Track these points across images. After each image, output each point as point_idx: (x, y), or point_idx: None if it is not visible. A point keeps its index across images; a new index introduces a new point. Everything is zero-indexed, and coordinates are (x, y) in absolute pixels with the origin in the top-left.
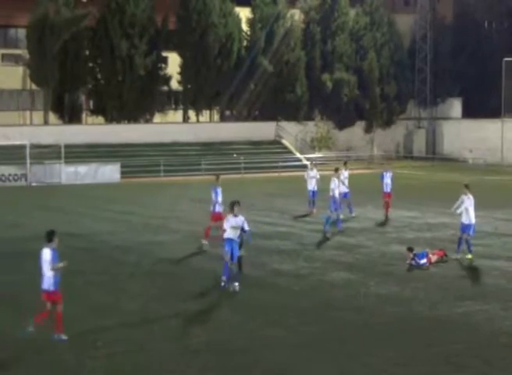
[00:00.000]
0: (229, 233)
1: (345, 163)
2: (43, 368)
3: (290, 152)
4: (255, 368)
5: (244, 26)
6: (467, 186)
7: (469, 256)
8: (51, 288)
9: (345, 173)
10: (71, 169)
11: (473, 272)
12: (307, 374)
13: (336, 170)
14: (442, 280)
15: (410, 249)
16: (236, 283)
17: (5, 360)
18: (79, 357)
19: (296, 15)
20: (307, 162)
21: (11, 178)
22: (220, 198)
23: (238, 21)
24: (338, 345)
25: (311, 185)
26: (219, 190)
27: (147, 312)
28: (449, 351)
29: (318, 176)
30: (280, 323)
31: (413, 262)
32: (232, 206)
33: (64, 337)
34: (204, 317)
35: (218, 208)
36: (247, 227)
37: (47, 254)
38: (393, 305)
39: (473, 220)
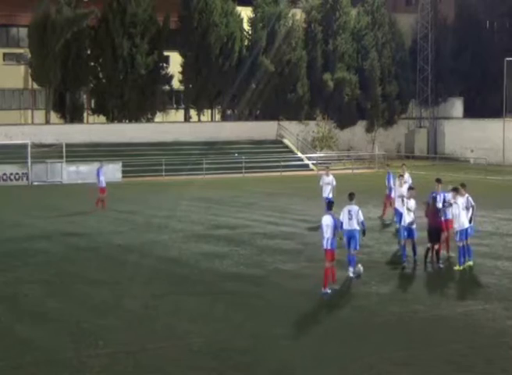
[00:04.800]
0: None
1: (402, 165)
2: (43, 368)
3: (292, 152)
4: (255, 368)
5: (246, 26)
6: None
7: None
8: (330, 247)
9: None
10: (72, 168)
11: (474, 272)
12: (307, 374)
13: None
14: (443, 279)
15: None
16: (359, 265)
17: (9, 361)
18: (79, 356)
19: (297, 14)
20: (309, 162)
21: (12, 177)
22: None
23: (239, 21)
24: (338, 345)
25: (326, 192)
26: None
27: (148, 311)
28: (450, 351)
29: (335, 183)
30: (280, 322)
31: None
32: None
33: (328, 290)
34: (204, 317)
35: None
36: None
37: (328, 220)
38: (394, 304)
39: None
